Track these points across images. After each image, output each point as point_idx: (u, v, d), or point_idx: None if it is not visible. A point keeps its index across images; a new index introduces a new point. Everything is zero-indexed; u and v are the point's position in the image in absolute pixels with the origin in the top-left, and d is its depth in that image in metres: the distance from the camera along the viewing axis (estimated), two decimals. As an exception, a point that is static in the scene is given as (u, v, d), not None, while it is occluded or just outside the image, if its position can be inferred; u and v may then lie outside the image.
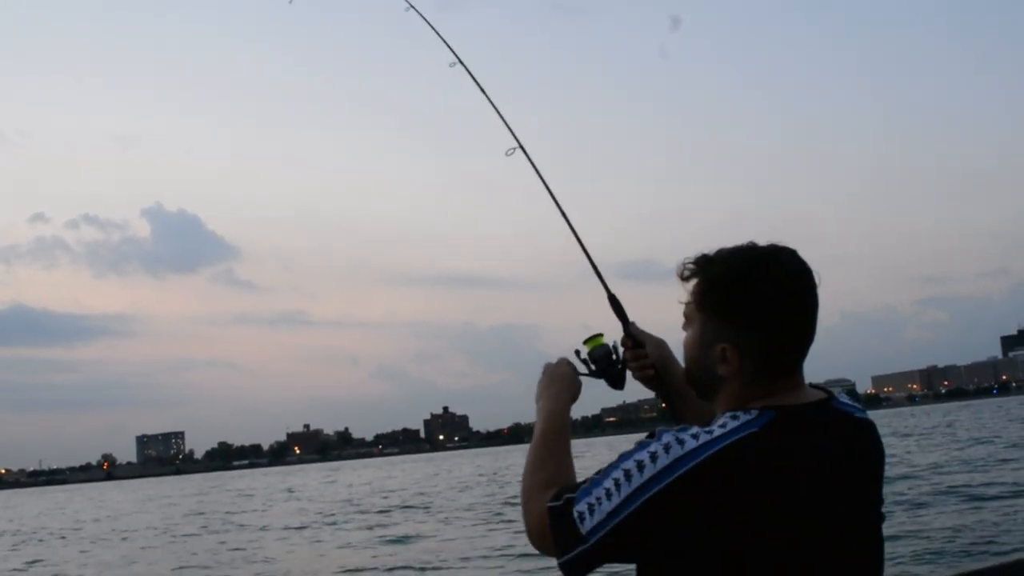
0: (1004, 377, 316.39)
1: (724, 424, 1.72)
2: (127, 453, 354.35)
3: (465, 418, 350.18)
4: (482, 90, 3.06)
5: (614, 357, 2.33)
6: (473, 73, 3.10)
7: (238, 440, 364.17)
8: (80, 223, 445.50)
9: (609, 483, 1.72)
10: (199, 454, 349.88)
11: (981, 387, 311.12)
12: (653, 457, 1.69)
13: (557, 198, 2.75)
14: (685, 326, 1.94)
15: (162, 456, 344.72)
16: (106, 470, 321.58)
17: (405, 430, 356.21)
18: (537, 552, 1.94)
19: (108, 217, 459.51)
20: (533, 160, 2.81)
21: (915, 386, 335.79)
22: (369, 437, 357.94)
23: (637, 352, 2.37)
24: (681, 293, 1.91)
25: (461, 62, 3.17)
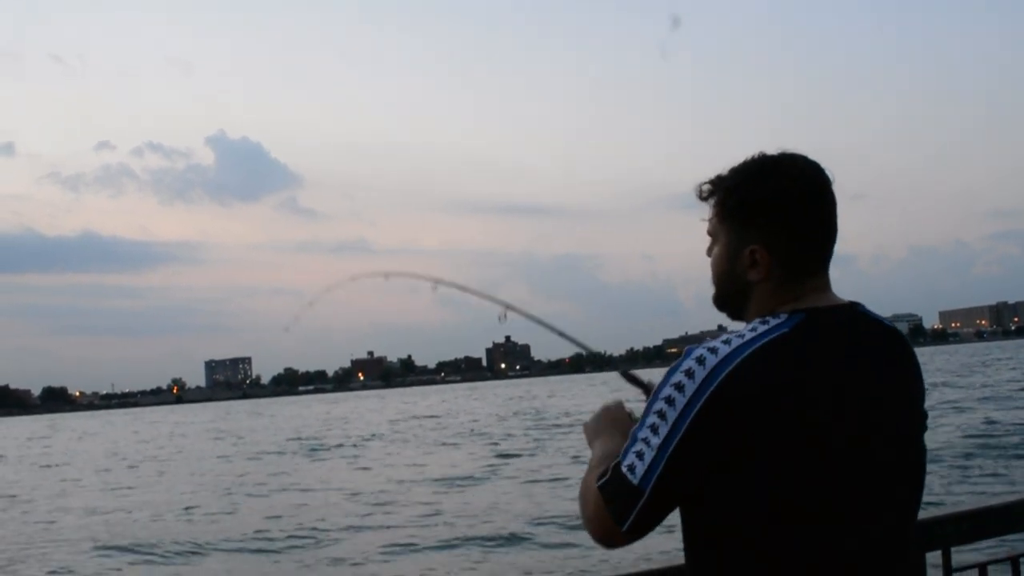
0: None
1: (754, 328, 1.71)
2: (196, 378, 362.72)
3: (527, 347, 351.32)
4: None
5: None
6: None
7: (304, 366, 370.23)
8: (145, 151, 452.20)
9: (651, 419, 1.71)
10: (266, 379, 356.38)
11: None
12: (689, 373, 1.67)
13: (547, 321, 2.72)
14: (710, 248, 1.93)
15: (230, 381, 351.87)
16: (176, 394, 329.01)
17: (467, 358, 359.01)
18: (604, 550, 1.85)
19: (172, 145, 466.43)
20: (526, 312, 2.73)
21: (984, 322, 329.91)
22: (431, 364, 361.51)
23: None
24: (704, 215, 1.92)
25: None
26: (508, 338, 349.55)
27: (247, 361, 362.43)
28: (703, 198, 1.90)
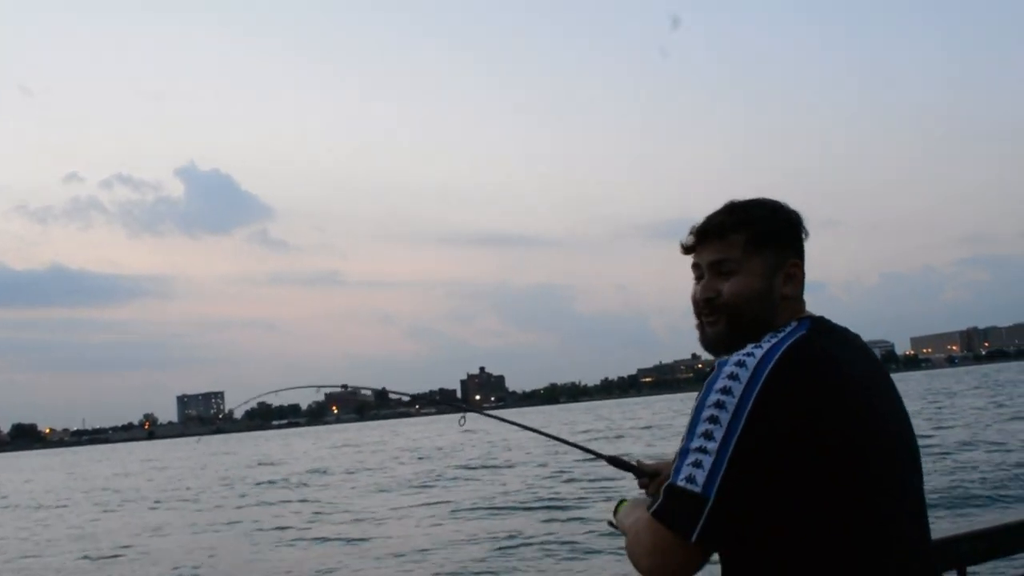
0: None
1: (773, 336, 1.85)
2: (168, 413, 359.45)
3: (502, 378, 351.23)
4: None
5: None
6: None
7: (277, 400, 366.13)
8: (114, 183, 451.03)
9: (702, 426, 1.74)
10: (238, 414, 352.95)
11: (1023, 348, 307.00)
12: (733, 376, 1.74)
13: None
14: (727, 279, 2.00)
15: (202, 415, 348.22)
16: (147, 430, 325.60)
17: (442, 390, 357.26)
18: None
19: (142, 177, 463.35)
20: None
21: (955, 347, 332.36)
22: (406, 397, 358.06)
23: (658, 481, 2.32)
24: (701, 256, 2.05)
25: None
26: (482, 369, 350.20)
27: (219, 395, 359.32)
28: (721, 234, 2.01)
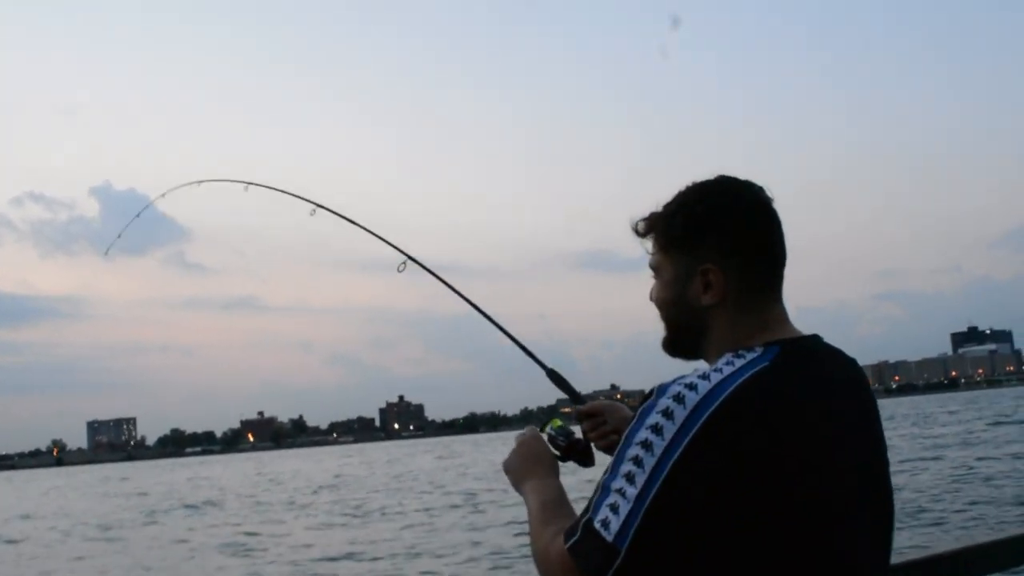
0: (953, 373, 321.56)
1: (730, 362, 1.58)
2: (78, 439, 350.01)
3: (421, 407, 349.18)
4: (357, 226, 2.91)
5: (576, 436, 2.22)
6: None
7: (191, 427, 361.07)
8: (25, 200, 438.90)
9: (625, 467, 1.54)
10: (151, 440, 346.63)
11: (931, 383, 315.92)
12: (667, 414, 1.52)
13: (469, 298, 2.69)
14: (654, 287, 1.82)
15: (113, 442, 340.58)
16: (56, 456, 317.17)
17: (360, 418, 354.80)
18: None
19: (54, 195, 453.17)
20: (427, 266, 2.75)
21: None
22: (324, 425, 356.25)
23: (595, 422, 2.22)
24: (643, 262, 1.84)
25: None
26: (402, 398, 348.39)
27: (132, 422, 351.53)
28: (641, 233, 1.81)
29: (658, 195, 1.76)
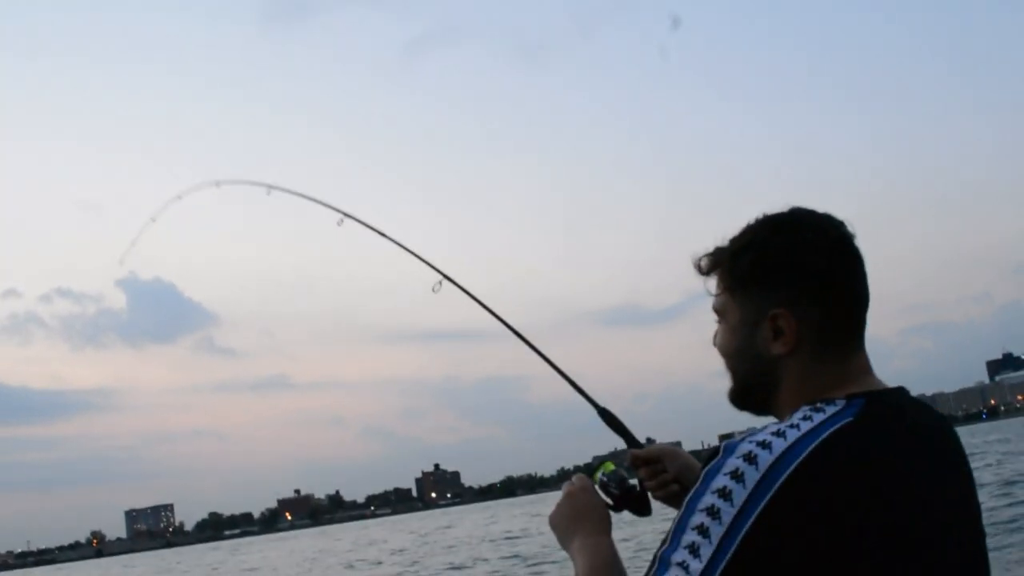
0: (992, 402, 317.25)
1: (808, 417, 1.38)
2: (116, 528, 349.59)
3: (457, 474, 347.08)
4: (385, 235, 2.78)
5: (631, 482, 1.97)
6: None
7: (228, 509, 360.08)
8: (53, 296, 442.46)
9: (689, 537, 1.32)
10: (189, 525, 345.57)
11: (970, 413, 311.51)
12: (737, 476, 1.31)
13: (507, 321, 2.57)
14: (718, 331, 1.63)
15: (152, 529, 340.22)
16: (96, 547, 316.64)
17: (397, 490, 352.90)
18: None
19: (82, 289, 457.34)
20: (464, 287, 2.64)
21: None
22: (360, 499, 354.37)
23: (653, 469, 2.00)
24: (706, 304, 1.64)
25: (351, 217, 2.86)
26: (437, 466, 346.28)
27: (169, 508, 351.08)
28: (705, 271, 1.61)
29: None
